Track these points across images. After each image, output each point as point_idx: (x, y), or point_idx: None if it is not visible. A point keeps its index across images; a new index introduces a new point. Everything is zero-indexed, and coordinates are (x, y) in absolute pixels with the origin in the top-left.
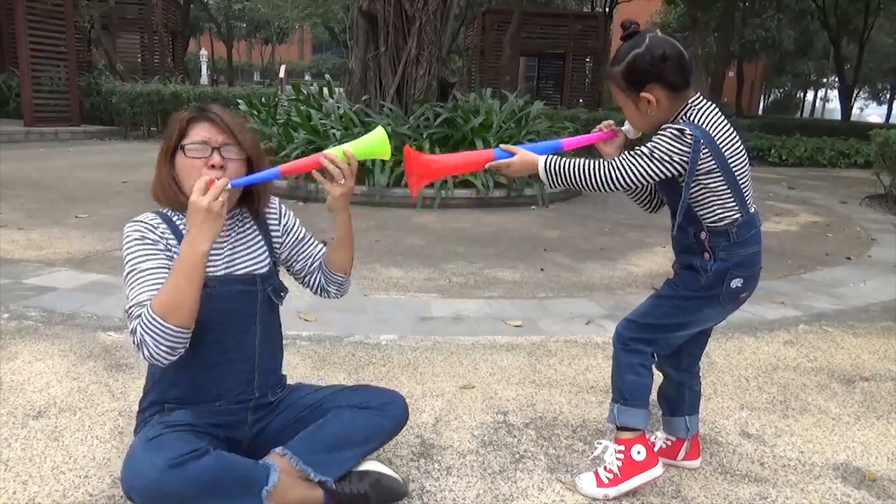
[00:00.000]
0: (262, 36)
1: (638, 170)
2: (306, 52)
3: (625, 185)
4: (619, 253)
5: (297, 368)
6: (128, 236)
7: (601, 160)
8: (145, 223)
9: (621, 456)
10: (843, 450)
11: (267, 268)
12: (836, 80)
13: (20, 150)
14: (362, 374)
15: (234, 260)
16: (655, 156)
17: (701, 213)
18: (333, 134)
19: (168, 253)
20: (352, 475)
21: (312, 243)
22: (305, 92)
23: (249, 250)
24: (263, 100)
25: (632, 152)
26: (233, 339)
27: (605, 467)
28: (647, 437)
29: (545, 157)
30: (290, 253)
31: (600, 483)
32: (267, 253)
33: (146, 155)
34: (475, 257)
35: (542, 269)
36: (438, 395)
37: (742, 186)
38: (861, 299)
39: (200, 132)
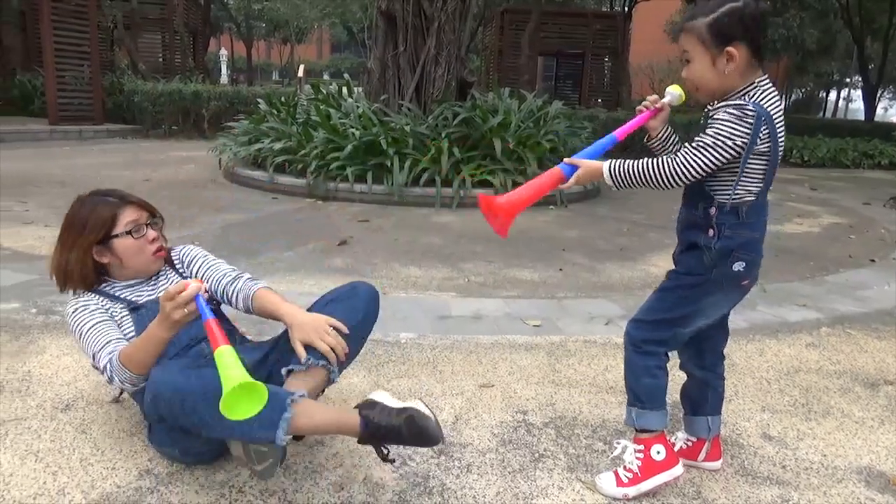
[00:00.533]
0: (281, 35)
1: (703, 162)
2: (325, 52)
3: (691, 180)
4: (638, 253)
5: None
6: (69, 314)
7: (663, 158)
8: (84, 298)
9: (641, 455)
10: (867, 453)
11: None
12: (860, 80)
13: (45, 148)
14: (382, 371)
15: (158, 285)
16: (719, 143)
17: (718, 188)
18: (353, 133)
19: (105, 309)
20: (391, 409)
21: (217, 266)
22: (325, 91)
23: (164, 277)
24: (283, 99)
25: (694, 145)
26: (184, 337)
27: (624, 467)
28: (666, 436)
29: (608, 163)
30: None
31: (620, 483)
32: (178, 277)
33: (167, 153)
34: (494, 257)
35: (560, 269)
36: (458, 394)
37: (773, 173)
38: (885, 302)
39: (129, 216)
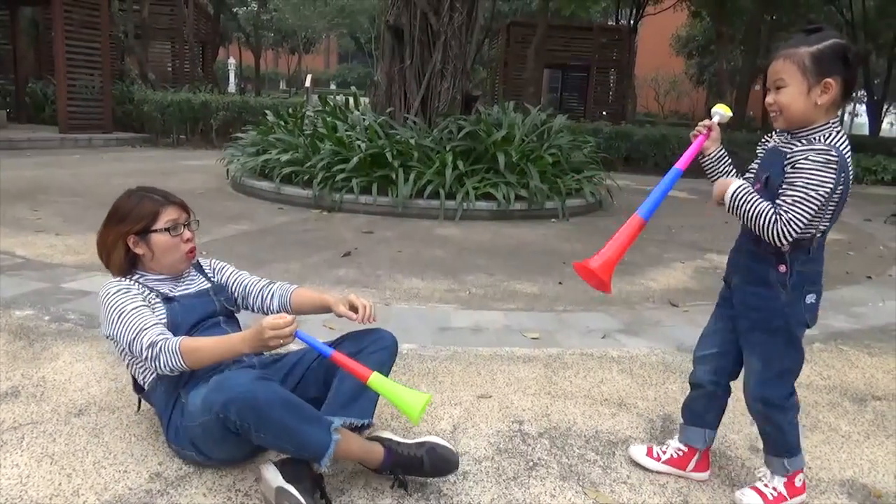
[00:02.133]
0: (289, 45)
1: (805, 216)
2: (332, 62)
3: (795, 237)
4: (637, 268)
5: None
6: (106, 292)
7: (772, 213)
8: (122, 282)
9: (785, 481)
10: (851, 467)
11: (209, 285)
12: (865, 94)
13: (55, 156)
14: None
15: (182, 284)
16: (811, 195)
17: None
18: (359, 146)
19: (144, 296)
20: (411, 444)
21: (247, 275)
22: (332, 104)
23: (190, 278)
24: (290, 110)
25: (790, 201)
26: (209, 332)
27: (769, 485)
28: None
29: (736, 186)
30: (227, 285)
31: (766, 500)
32: (205, 279)
33: (176, 163)
34: (495, 269)
35: (560, 283)
36: (457, 404)
37: (840, 210)
38: (878, 319)
39: (170, 215)
